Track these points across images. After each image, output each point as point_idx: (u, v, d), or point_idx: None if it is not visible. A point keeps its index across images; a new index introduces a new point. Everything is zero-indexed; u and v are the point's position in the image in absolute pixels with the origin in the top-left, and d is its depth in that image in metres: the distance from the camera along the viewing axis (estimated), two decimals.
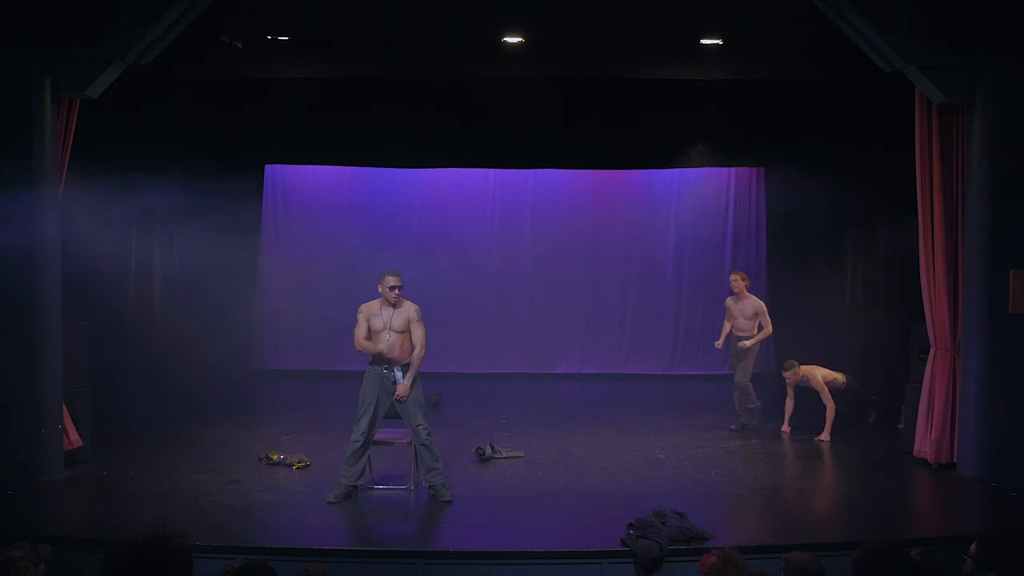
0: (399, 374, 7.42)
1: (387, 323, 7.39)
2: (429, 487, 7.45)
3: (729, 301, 10.26)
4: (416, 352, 7.41)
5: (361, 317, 7.42)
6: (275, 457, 8.50)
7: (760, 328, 10.09)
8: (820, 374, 9.83)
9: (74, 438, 8.21)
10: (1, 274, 7.71)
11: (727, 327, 10.24)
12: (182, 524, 6.22)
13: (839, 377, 9.92)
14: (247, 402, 11.10)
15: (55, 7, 7.82)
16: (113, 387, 9.63)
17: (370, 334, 7.41)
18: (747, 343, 10.00)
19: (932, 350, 8.43)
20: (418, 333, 7.41)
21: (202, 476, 8.01)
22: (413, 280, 12.06)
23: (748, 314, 10.08)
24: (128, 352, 10.26)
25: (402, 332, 7.41)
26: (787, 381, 9.93)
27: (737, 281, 10.17)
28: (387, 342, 7.37)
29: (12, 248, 7.62)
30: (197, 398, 10.81)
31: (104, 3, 7.83)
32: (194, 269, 10.91)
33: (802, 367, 9.85)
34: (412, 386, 7.43)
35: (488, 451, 8.79)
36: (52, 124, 7.89)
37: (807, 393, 9.91)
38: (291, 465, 8.39)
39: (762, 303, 10.19)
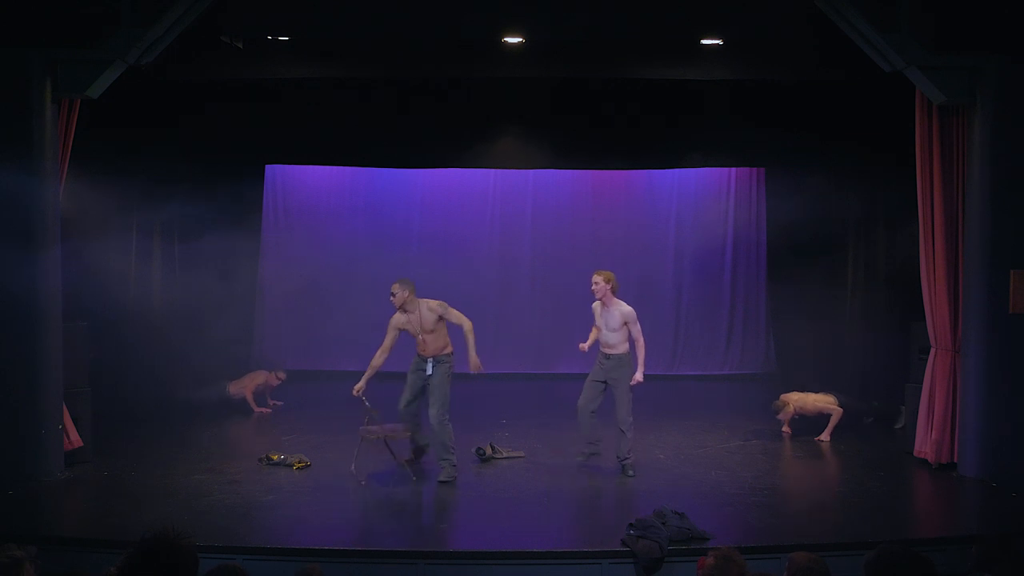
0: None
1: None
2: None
3: (596, 306, 8.41)
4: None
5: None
6: (275, 457, 8.50)
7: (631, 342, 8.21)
8: (812, 398, 9.79)
9: (74, 438, 8.21)
10: (1, 274, 7.70)
11: (594, 335, 8.52)
12: (183, 524, 6.23)
13: (831, 400, 9.74)
14: (247, 402, 11.07)
15: (55, 7, 7.82)
16: (113, 387, 9.63)
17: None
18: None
19: (932, 350, 8.43)
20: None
21: (202, 476, 8.01)
22: (413, 280, 12.13)
23: (615, 324, 8.22)
24: (128, 352, 10.25)
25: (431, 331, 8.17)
26: (783, 419, 9.78)
27: (600, 283, 8.20)
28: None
29: (12, 248, 7.62)
30: (197, 398, 10.79)
31: (104, 3, 7.83)
32: (194, 269, 10.90)
33: (793, 396, 9.80)
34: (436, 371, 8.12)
35: (488, 451, 8.79)
36: (52, 124, 7.89)
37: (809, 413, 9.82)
38: (291, 465, 8.39)
39: (632, 310, 8.22)
